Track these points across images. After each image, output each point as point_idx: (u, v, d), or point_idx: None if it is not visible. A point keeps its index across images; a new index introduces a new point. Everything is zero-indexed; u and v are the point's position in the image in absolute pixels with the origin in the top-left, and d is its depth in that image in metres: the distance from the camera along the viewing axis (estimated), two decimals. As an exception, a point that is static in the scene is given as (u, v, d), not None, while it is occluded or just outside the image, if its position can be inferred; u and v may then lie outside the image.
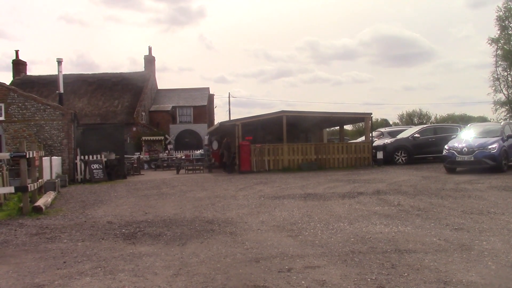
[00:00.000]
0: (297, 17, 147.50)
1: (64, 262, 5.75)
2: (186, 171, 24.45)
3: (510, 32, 39.00)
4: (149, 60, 45.93)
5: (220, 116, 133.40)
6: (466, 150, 16.12)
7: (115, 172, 20.66)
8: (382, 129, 29.79)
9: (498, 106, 40.08)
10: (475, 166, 16.22)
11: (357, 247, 5.94)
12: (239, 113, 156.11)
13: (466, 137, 17.17)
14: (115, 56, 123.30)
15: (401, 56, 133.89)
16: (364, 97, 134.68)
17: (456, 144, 16.63)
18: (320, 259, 5.42)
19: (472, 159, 15.98)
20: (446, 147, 17.13)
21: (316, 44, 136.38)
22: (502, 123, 18.39)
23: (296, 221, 7.98)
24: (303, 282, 4.55)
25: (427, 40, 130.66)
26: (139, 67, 63.12)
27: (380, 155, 22.18)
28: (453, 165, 16.70)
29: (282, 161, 21.76)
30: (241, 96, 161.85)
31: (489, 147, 15.98)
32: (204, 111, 43.76)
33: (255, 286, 4.48)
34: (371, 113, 23.44)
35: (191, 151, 34.05)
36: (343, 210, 9.07)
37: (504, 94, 39.61)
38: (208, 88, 48.28)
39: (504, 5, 38.59)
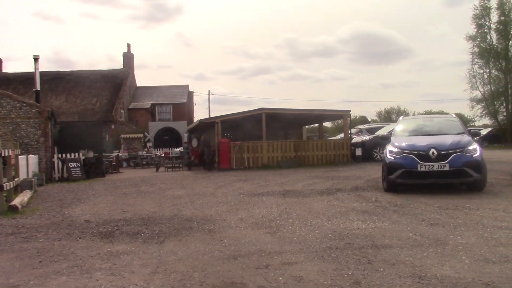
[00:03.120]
0: (275, 14, 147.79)
1: (40, 261, 5.68)
2: (166, 169, 24.33)
3: (486, 30, 39.66)
4: (128, 57, 45.59)
5: (199, 114, 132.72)
6: (435, 153, 10.13)
7: (93, 170, 20.46)
8: (361, 126, 30.06)
9: (474, 103, 40.80)
10: (451, 181, 10.40)
11: (334, 243, 6.00)
12: (218, 111, 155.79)
13: (412, 134, 11.81)
14: (93, 53, 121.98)
15: (379, 53, 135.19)
16: (343, 94, 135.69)
17: (403, 144, 10.80)
18: (297, 255, 5.46)
19: (447, 168, 10.01)
20: (390, 148, 11.00)
21: (295, 42, 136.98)
22: (448, 116, 13.39)
23: (274, 218, 8.02)
24: (280, 278, 4.57)
25: (405, 38, 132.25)
26: (117, 64, 62.65)
27: (358, 152, 22.38)
28: (411, 179, 10.40)
29: (261, 158, 21.81)
30: (220, 93, 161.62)
31: (470, 148, 10.33)
32: (184, 109, 43.60)
33: (232, 283, 4.50)
34: (349, 110, 23.64)
35: (170, 148, 33.89)
36: (321, 206, 9.13)
37: (480, 91, 40.33)
38: (188, 85, 48.19)
39: (481, 4, 39.26)
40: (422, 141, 10.79)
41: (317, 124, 31.11)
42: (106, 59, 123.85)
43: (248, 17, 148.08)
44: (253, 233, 6.85)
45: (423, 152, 10.31)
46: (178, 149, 31.64)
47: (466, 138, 10.92)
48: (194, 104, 50.75)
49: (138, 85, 47.73)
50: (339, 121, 48.69)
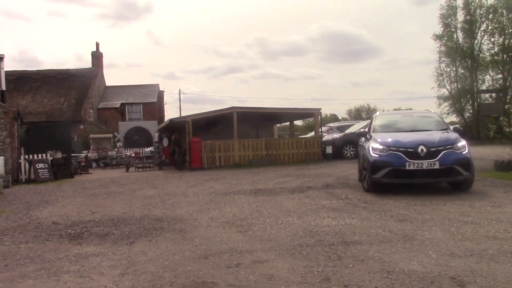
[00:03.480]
0: (245, 13, 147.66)
1: (6, 265, 5.55)
2: (136, 169, 24.07)
3: (452, 29, 40.42)
4: (97, 56, 44.93)
5: (170, 113, 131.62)
6: (424, 150, 9.53)
7: (61, 171, 20.09)
8: (331, 124, 30.30)
9: (441, 101, 41.52)
10: (441, 180, 10.01)
11: (305, 240, 6.04)
12: (190, 110, 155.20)
13: (394, 130, 11.20)
14: (60, 52, 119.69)
15: (348, 52, 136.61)
16: (314, 93, 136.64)
17: (388, 140, 10.13)
18: (268, 253, 5.48)
19: (437, 166, 9.42)
20: (374, 145, 10.22)
21: (265, 41, 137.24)
22: (427, 111, 12.95)
23: (246, 217, 8.02)
24: (251, 277, 4.58)
25: (374, 37, 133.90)
26: (86, 63, 61.69)
27: (329, 149, 22.55)
28: (398, 178, 9.77)
29: (233, 157, 21.78)
30: (191, 92, 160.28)
31: (459, 145, 9.81)
32: (154, 108, 43.21)
33: (203, 282, 4.48)
34: (320, 109, 23.83)
35: (141, 148, 33.56)
36: (292, 204, 9.18)
37: (447, 89, 41.08)
38: (158, 84, 47.78)
39: (447, 3, 39.96)
40: (408, 138, 10.11)
41: (289, 123, 31.24)
42: (74, 59, 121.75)
43: (219, 16, 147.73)
44: (224, 232, 6.84)
45: (411, 149, 9.61)
46: (148, 149, 31.32)
47: (453, 134, 10.38)
48: (164, 103, 50.33)
49: (107, 84, 47.07)
50: (310, 120, 49.05)
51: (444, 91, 41.25)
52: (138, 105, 42.68)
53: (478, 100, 39.40)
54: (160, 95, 47.57)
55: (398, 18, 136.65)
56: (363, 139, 11.74)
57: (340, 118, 74.15)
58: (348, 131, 24.20)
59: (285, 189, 11.56)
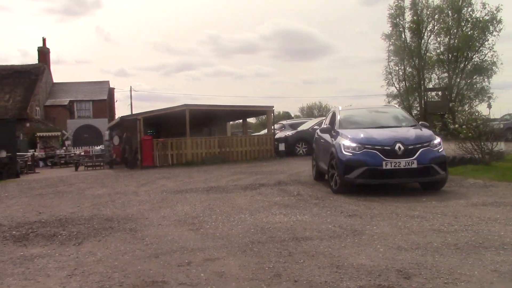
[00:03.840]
0: (197, 9, 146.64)
1: None
2: (86, 168, 23.52)
3: (401, 29, 41.51)
4: (43, 52, 43.54)
5: (121, 111, 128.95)
6: (401, 148, 8.93)
7: (6, 171, 19.36)
8: (284, 122, 30.60)
9: (390, 99, 42.63)
10: (418, 180, 9.41)
11: (256, 237, 6.06)
12: (141, 107, 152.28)
13: (364, 126, 10.38)
14: (4, 48, 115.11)
15: (300, 50, 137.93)
16: (267, 90, 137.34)
17: (361, 137, 9.43)
18: (220, 251, 5.46)
19: (415, 165, 8.85)
20: (345, 142, 9.45)
21: (218, 38, 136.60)
22: (392, 107, 13.26)
23: (198, 215, 7.97)
24: (202, 275, 4.56)
25: (325, 35, 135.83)
26: (32, 59, 59.61)
27: (282, 147, 22.73)
28: (375, 178, 9.12)
29: (185, 155, 21.62)
30: (143, 90, 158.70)
31: (435, 142, 9.37)
32: (104, 105, 42.32)
33: (153, 282, 4.42)
34: (273, 106, 24.01)
35: (90, 147, 32.77)
36: (244, 201, 9.19)
37: (396, 87, 42.23)
38: (108, 81, 46.82)
39: (395, 4, 41.01)
40: (383, 134, 9.49)
41: (241, 120, 31.29)
42: (19, 54, 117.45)
43: (170, 12, 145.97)
44: (176, 231, 6.78)
45: (388, 147, 8.99)
46: (99, 147, 30.60)
47: (427, 131, 9.96)
48: (115, 100, 49.41)
49: (55, 81, 45.68)
50: (263, 117, 49.31)
51: (393, 89, 42.41)
52: (87, 102, 41.71)
53: (425, 98, 40.70)
54: (111, 92, 46.64)
55: (349, 17, 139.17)
56: (323, 135, 11.22)
57: (292, 115, 74.96)
58: (300, 128, 24.47)
59: (237, 187, 11.57)
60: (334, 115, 11.51)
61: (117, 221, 7.73)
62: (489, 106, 38.27)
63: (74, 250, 5.92)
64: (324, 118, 27.41)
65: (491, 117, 20.74)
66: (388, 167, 8.90)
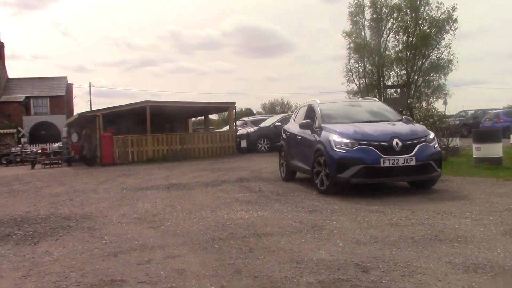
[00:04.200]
0: (158, 5, 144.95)
1: None
2: (43, 166, 22.94)
3: (361, 27, 42.17)
4: (-3, 47, 42.15)
5: (80, 107, 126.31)
6: (399, 144, 8.27)
7: (-42, 169, 18.69)
8: (246, 118, 30.63)
9: (351, 95, 43.24)
10: (416, 178, 8.65)
11: (217, 234, 6.04)
12: (101, 104, 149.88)
13: (351, 121, 9.52)
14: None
15: (263, 47, 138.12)
16: (229, 87, 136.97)
17: (351, 132, 8.66)
18: (180, 248, 5.42)
19: (414, 162, 8.23)
20: (336, 138, 8.62)
21: (179, 34, 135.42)
22: (373, 100, 12.22)
23: (158, 212, 7.89)
24: (162, 272, 4.51)
25: (287, 32, 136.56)
26: (-14, 53, 57.42)
27: (244, 143, 22.76)
28: (372, 177, 8.41)
29: (146, 152, 21.38)
30: (102, 86, 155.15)
31: (430, 137, 8.81)
32: (62, 102, 41.35)
33: (112, 281, 4.35)
34: (234, 103, 23.97)
35: (48, 144, 31.96)
36: (206, 198, 9.15)
37: (356, 84, 42.96)
38: (66, 77, 45.81)
39: (355, 2, 41.64)
40: (377, 129, 8.79)
41: (203, 117, 31.14)
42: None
43: (130, 8, 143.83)
44: (136, 229, 6.69)
45: (385, 143, 8.26)
46: (56, 145, 29.84)
47: (420, 125, 9.58)
48: (73, 97, 48.35)
49: (10, 76, 44.33)
50: (225, 114, 49.23)
51: (353, 86, 43.12)
52: (44, 98, 40.65)
53: (385, 94, 41.46)
54: (69, 88, 45.61)
55: (310, 14, 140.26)
56: (303, 131, 10.30)
57: (255, 112, 75.04)
58: (262, 125, 24.54)
59: (199, 183, 11.51)
60: (311, 109, 10.68)
61: (75, 220, 7.57)
62: (445, 103, 39.36)
63: (29, 250, 5.77)
64: (287, 114, 27.72)
65: (447, 113, 21.27)
66: (386, 164, 8.16)
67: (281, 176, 11.74)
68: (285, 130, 12.10)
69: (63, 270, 4.76)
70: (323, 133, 9.15)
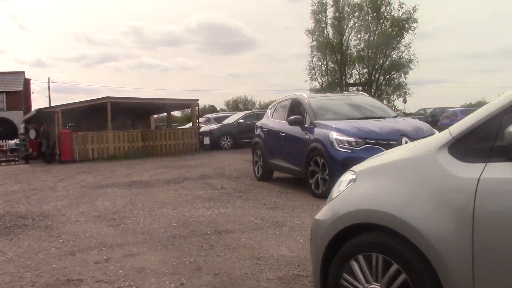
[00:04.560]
0: (119, 0, 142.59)
1: None
2: (-1, 163, 22.25)
3: (323, 25, 42.53)
4: (-50, 40, 40.58)
5: (39, 103, 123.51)
6: (408, 142, 6.96)
7: None
8: (209, 115, 30.49)
9: (314, 93, 43.66)
10: None
11: (178, 231, 6.00)
12: (61, 99, 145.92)
13: (348, 117, 8.93)
14: None
15: (227, 44, 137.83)
16: (192, 83, 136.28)
17: (354, 130, 7.98)
18: (140, 246, 5.36)
19: None
20: (338, 137, 7.88)
21: (142, 29, 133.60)
22: (362, 94, 11.75)
23: (118, 210, 7.77)
24: (120, 271, 4.45)
25: (251, 29, 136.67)
26: None
27: (206, 140, 22.64)
28: None
29: (107, 149, 20.99)
30: (62, 81, 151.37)
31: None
32: (19, 97, 40.13)
33: (68, 280, 4.26)
34: (197, 100, 23.80)
35: (4, 141, 30.97)
36: (167, 196, 9.07)
37: (318, 82, 43.25)
38: (23, 72, 44.42)
39: (318, 0, 41.94)
40: (383, 126, 8.18)
41: (166, 114, 30.84)
42: None
43: (91, 2, 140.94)
44: (95, 227, 6.57)
45: (394, 142, 7.41)
46: (13, 141, 29.02)
47: (422, 122, 8.78)
48: (31, 92, 46.99)
49: (-36, 71, 42.79)
50: (188, 111, 48.89)
51: (316, 84, 43.39)
52: (0, 94, 39.38)
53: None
54: (26, 83, 44.32)
55: (274, 12, 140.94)
56: (291, 128, 9.38)
57: (218, 109, 74.82)
58: (225, 122, 24.47)
59: (161, 181, 11.39)
60: (297, 103, 9.82)
61: (32, 219, 7.37)
62: (405, 101, 40.26)
63: (-18, 250, 5.58)
64: (250, 111, 27.71)
65: (407, 111, 21.77)
66: None
67: (255, 176, 11.03)
68: (261, 127, 11.19)
69: (18, 270, 4.63)
70: (319, 130, 8.40)
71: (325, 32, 42.39)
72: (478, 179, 2.16)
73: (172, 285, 4.03)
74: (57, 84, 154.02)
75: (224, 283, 4.04)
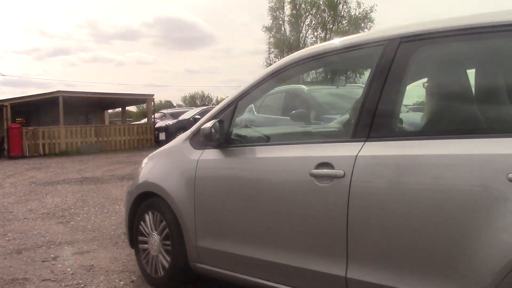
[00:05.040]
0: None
1: None
2: None
3: (280, 22, 42.82)
4: None
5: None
6: None
7: None
8: (165, 111, 30.17)
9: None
10: None
11: (130, 228, 5.89)
12: (11, 93, 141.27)
13: None
14: None
15: (183, 39, 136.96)
16: (148, 78, 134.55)
17: None
18: (90, 244, 5.23)
19: None
20: None
21: (96, 22, 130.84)
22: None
23: (69, 207, 7.58)
24: (68, 269, 4.33)
25: (208, 25, 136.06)
26: None
27: (162, 136, 22.37)
28: None
29: (59, 144, 20.44)
30: (12, 74, 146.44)
31: None
32: (-34, 90, 38.60)
33: (13, 279, 4.11)
34: (153, 95, 23.53)
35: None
36: (120, 192, 8.89)
37: (276, 79, 43.58)
38: (-29, 64, 42.71)
39: (275, -4, 42.19)
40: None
41: (121, 109, 30.30)
42: None
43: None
44: (43, 224, 6.38)
45: None
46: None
47: None
48: (-21, 85, 45.22)
49: None
50: (144, 106, 48.21)
51: (273, 81, 43.68)
52: None
53: (303, 90, 42.45)
54: (-26, 76, 42.64)
55: (232, 8, 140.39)
56: None
57: (175, 104, 74.14)
58: (181, 117, 24.25)
59: (114, 177, 11.18)
60: (295, 96, 9.08)
61: (-24, 216, 7.09)
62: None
63: None
64: (207, 107, 27.49)
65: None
66: None
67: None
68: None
69: (-41, 270, 4.44)
70: None
71: (283, 29, 42.77)
72: (198, 160, 3.33)
73: (121, 282, 3.95)
74: (6, 77, 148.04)
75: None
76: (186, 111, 26.37)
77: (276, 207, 2.79)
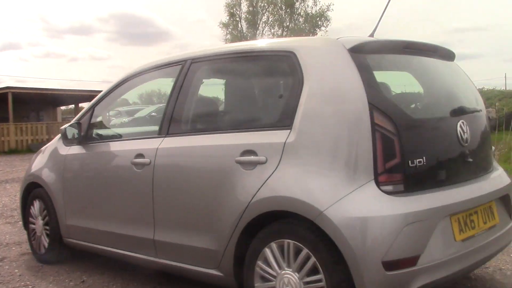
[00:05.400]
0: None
1: None
2: None
3: (237, 19, 42.77)
4: None
5: None
6: None
7: None
8: (120, 108, 29.61)
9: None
10: None
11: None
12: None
13: None
14: None
15: (139, 34, 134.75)
16: (103, 74, 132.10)
17: None
18: (39, 244, 5.06)
19: None
20: None
21: (48, 17, 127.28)
22: None
23: (18, 207, 7.28)
24: (16, 271, 4.20)
25: (164, 21, 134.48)
26: None
27: (117, 133, 22.03)
28: None
29: (8, 142, 19.76)
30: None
31: None
32: None
33: (-45, 283, 3.93)
34: (107, 91, 23.05)
35: None
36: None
37: (233, 75, 43.60)
38: None
39: (232, -7, 42.07)
40: None
41: (74, 105, 29.61)
42: None
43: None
44: (-10, 225, 6.15)
45: None
46: None
47: None
48: None
49: None
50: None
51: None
52: None
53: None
54: None
55: (188, 4, 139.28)
56: None
57: (131, 102, 72.91)
58: (137, 115, 23.90)
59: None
60: None
61: None
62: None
63: None
64: (161, 105, 27.04)
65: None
66: None
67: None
68: None
69: None
70: None
71: (240, 26, 42.72)
72: (65, 155, 4.14)
73: (71, 283, 3.84)
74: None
75: (127, 278, 3.91)
76: (142, 109, 26.00)
77: (109, 189, 3.73)
